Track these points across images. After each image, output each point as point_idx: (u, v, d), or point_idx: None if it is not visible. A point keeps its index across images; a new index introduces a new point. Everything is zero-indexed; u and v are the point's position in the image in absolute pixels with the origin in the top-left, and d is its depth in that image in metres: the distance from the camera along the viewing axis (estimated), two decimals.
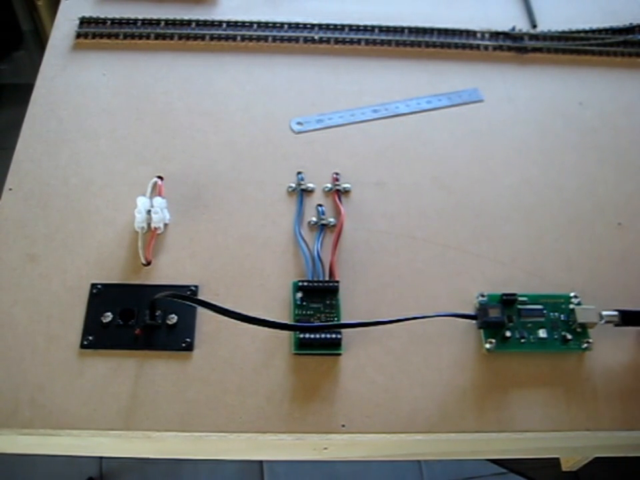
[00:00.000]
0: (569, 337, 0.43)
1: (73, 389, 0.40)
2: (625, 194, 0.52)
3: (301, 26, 0.60)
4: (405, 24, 0.61)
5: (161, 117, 0.53)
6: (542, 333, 0.43)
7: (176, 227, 0.47)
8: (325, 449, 0.42)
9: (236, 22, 0.60)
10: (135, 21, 0.59)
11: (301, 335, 0.41)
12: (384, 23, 0.61)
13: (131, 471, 0.95)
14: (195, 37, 0.59)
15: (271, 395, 0.40)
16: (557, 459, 0.57)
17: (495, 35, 0.61)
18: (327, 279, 0.44)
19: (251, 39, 0.59)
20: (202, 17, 0.60)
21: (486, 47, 0.60)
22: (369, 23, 0.60)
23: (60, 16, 0.60)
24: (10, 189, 0.48)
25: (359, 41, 0.60)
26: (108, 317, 0.42)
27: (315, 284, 0.43)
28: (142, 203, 0.45)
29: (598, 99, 0.58)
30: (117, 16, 0.59)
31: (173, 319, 0.42)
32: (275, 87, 0.56)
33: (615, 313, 0.43)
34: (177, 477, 0.95)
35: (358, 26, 0.60)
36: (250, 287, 0.45)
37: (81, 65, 0.56)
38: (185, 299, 0.39)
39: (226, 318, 0.38)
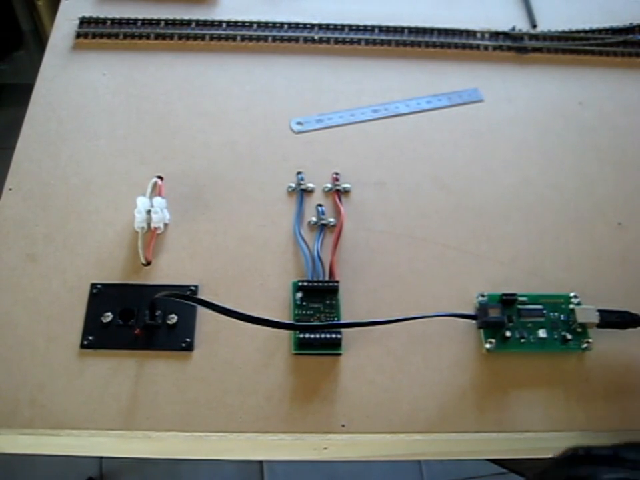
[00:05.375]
0: (569, 337, 0.43)
1: (73, 389, 0.40)
2: (625, 194, 0.52)
3: (300, 26, 0.60)
4: (404, 24, 0.61)
5: (161, 116, 0.53)
6: (542, 333, 0.43)
7: (176, 227, 0.47)
8: (325, 449, 0.42)
9: (236, 22, 0.60)
10: (135, 20, 0.59)
11: (301, 335, 0.41)
12: (384, 23, 0.61)
13: (131, 471, 0.95)
14: (195, 37, 0.59)
15: (270, 394, 0.40)
16: None
17: (495, 35, 0.61)
18: (326, 278, 0.44)
19: (250, 38, 0.59)
20: (202, 17, 0.60)
21: (486, 47, 0.60)
22: (368, 23, 0.60)
23: (60, 16, 0.60)
24: (10, 189, 0.48)
25: (358, 41, 0.60)
26: (108, 316, 0.42)
27: (315, 284, 0.43)
28: (142, 202, 0.45)
29: (598, 98, 0.58)
30: (117, 16, 0.59)
31: (173, 318, 0.42)
32: (275, 87, 0.56)
33: (597, 313, 0.43)
34: (177, 477, 0.95)
35: (358, 26, 0.60)
36: (250, 286, 0.45)
37: (81, 64, 0.56)
38: (185, 298, 0.39)
39: (226, 318, 0.38)
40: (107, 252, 0.45)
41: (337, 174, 0.51)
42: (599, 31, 0.62)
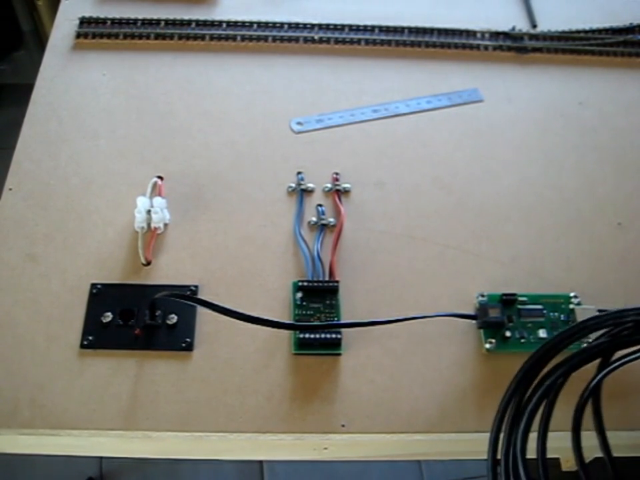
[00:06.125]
0: None
1: (73, 389, 0.40)
2: (625, 194, 0.52)
3: (300, 26, 0.60)
4: (404, 24, 0.61)
5: (161, 116, 0.53)
6: (542, 333, 0.43)
7: (176, 227, 0.47)
8: (325, 449, 0.42)
9: (236, 22, 0.60)
10: (135, 20, 0.59)
11: (301, 335, 0.41)
12: (384, 23, 0.61)
13: (131, 471, 0.95)
14: (195, 37, 0.59)
15: (270, 394, 0.40)
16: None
17: (495, 35, 0.61)
18: (326, 279, 0.44)
19: (250, 39, 0.59)
20: (202, 17, 0.60)
21: (486, 47, 0.60)
22: (368, 23, 0.60)
23: (60, 16, 0.60)
24: (10, 189, 0.48)
25: (358, 41, 0.60)
26: (108, 316, 0.42)
27: (315, 284, 0.43)
28: (142, 202, 0.45)
29: (598, 98, 0.58)
30: (117, 16, 0.59)
31: (173, 318, 0.42)
32: (275, 87, 0.56)
33: (597, 313, 0.43)
34: (177, 477, 0.95)
35: (358, 26, 0.60)
36: (250, 286, 0.45)
37: (81, 65, 0.56)
38: (185, 298, 0.39)
39: (226, 318, 0.38)
40: (107, 252, 0.45)
41: (337, 174, 0.51)
42: (599, 30, 0.62)
